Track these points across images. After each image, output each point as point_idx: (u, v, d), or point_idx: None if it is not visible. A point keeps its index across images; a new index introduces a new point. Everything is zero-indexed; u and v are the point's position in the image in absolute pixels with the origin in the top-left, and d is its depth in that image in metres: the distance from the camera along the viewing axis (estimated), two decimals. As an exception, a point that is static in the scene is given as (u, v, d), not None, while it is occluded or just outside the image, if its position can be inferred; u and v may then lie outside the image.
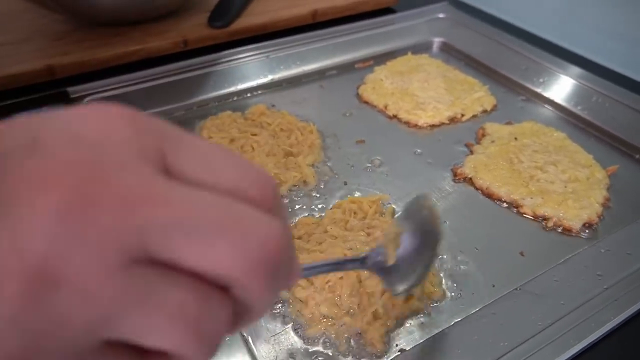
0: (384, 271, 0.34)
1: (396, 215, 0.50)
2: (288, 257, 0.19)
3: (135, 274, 0.15)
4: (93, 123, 0.17)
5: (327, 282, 0.41)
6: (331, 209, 0.51)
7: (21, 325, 0.14)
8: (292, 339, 0.39)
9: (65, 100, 0.62)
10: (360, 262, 0.34)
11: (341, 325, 0.40)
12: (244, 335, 0.38)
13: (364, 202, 0.50)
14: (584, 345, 0.36)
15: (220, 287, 0.17)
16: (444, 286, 0.43)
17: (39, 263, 0.14)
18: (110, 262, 0.15)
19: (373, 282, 0.41)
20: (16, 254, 0.14)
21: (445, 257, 0.46)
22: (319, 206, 0.51)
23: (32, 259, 0.14)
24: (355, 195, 0.53)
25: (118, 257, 0.15)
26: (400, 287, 0.33)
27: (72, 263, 0.14)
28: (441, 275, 0.44)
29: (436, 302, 0.42)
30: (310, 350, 0.38)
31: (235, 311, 0.18)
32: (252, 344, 0.38)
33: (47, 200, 0.14)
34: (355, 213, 0.49)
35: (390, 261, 0.33)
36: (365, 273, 0.42)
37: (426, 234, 0.34)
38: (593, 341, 0.37)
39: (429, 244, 0.33)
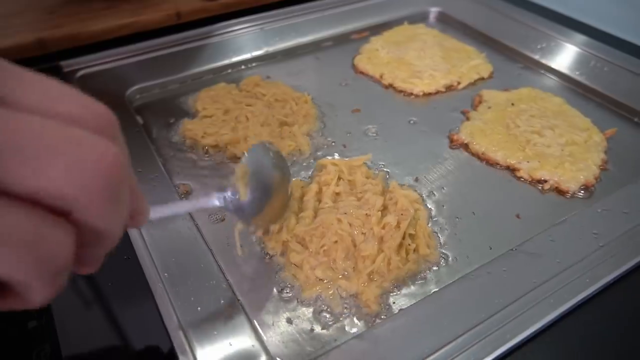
0: (239, 209, 0.37)
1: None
2: (124, 179, 0.18)
3: None
4: None
5: (322, 247, 0.41)
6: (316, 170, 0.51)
7: None
8: (288, 303, 0.39)
9: (59, 74, 0.61)
10: (217, 200, 0.37)
11: (337, 288, 0.40)
12: (239, 300, 0.38)
13: (347, 164, 0.50)
14: (578, 300, 0.36)
15: (58, 213, 0.17)
16: (441, 249, 0.43)
17: None
18: None
19: (368, 246, 0.41)
20: None
21: (442, 221, 0.46)
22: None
23: None
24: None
25: None
26: (254, 222, 0.39)
27: None
28: (439, 238, 0.44)
29: (433, 265, 0.42)
30: (306, 313, 0.38)
31: (84, 241, 0.18)
32: (247, 309, 0.38)
33: None
34: (340, 179, 0.49)
35: (243, 197, 0.37)
36: (360, 237, 0.42)
37: (273, 173, 0.40)
38: (588, 296, 0.37)
39: (277, 181, 0.40)
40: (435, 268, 0.42)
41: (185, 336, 0.34)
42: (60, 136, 0.16)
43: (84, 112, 0.18)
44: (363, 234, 0.42)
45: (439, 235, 0.45)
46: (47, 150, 0.16)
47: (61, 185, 0.16)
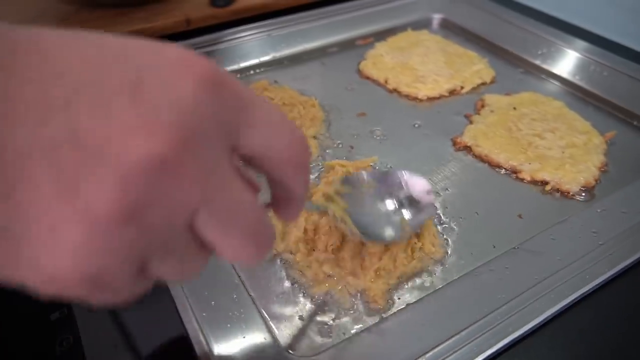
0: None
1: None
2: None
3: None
4: (188, 84, 0.18)
5: (330, 245, 0.43)
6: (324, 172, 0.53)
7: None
8: (298, 298, 0.40)
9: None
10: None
11: (345, 284, 0.41)
12: (250, 295, 0.40)
13: (354, 166, 0.52)
14: (578, 295, 0.37)
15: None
16: (446, 248, 0.45)
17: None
18: (177, 221, 0.18)
19: (375, 244, 0.42)
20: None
21: (446, 220, 0.47)
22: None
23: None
24: (357, 164, 0.54)
25: (183, 218, 0.18)
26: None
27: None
28: (443, 236, 0.46)
29: (438, 262, 0.43)
30: (315, 307, 0.40)
31: None
32: (258, 304, 0.39)
33: (138, 158, 0.16)
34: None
35: None
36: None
37: None
38: (587, 292, 0.38)
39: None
40: (439, 265, 0.43)
41: (201, 329, 0.35)
42: (254, 225, 0.21)
43: (290, 154, 0.23)
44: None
45: (444, 233, 0.46)
46: (242, 234, 0.21)
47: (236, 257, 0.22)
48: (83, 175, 0.16)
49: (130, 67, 0.17)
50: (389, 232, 0.41)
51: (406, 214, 0.43)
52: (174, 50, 0.18)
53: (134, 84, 0.17)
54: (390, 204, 0.42)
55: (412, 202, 0.43)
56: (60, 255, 0.16)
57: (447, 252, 0.44)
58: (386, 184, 0.44)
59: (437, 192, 0.50)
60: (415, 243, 0.43)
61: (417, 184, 0.44)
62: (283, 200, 0.25)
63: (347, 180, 0.43)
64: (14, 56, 0.15)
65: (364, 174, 0.44)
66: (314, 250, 0.43)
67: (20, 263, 0.16)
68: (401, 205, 0.43)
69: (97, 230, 0.16)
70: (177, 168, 0.17)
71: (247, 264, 0.24)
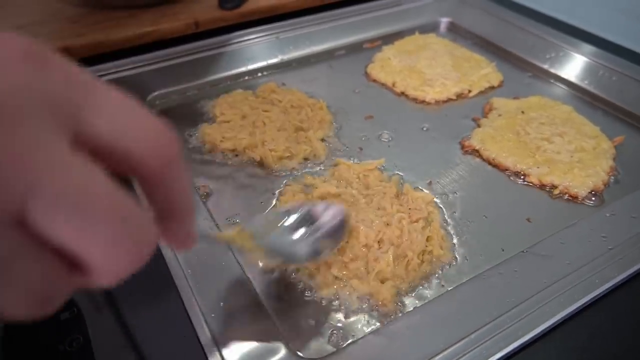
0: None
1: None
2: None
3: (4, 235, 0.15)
4: (2, 57, 0.15)
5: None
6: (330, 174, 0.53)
7: None
8: (307, 300, 0.40)
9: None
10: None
11: (351, 287, 0.41)
12: (258, 295, 0.40)
13: (360, 168, 0.52)
14: (588, 300, 0.37)
15: (71, 263, 0.17)
16: (455, 252, 0.44)
17: None
18: None
19: (376, 250, 0.42)
20: None
21: (455, 223, 0.47)
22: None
23: None
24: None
25: None
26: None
27: None
28: (452, 239, 0.45)
29: (447, 265, 0.43)
30: (324, 309, 0.40)
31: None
32: (266, 305, 0.39)
33: None
34: (352, 181, 0.50)
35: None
36: (372, 237, 0.43)
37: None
38: (596, 296, 0.38)
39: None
40: (448, 268, 0.43)
41: (209, 329, 0.35)
42: (115, 207, 0.17)
43: (147, 146, 0.19)
44: (377, 239, 0.43)
45: (453, 237, 0.46)
46: (98, 219, 0.16)
47: (95, 254, 0.17)
48: None
49: None
50: (303, 252, 0.38)
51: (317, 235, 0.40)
52: None
53: None
54: (299, 230, 0.39)
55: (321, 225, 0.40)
56: None
57: (456, 255, 0.44)
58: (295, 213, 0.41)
59: (445, 196, 0.50)
60: (427, 247, 0.43)
61: (328, 211, 0.41)
62: (165, 216, 0.21)
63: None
64: None
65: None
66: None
67: None
68: (310, 228, 0.40)
69: None
70: None
71: (124, 271, 0.18)
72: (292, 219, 0.39)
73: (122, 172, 0.18)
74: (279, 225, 0.38)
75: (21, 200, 0.15)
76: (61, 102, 0.16)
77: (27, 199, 0.15)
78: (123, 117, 0.18)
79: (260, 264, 0.43)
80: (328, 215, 0.40)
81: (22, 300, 0.16)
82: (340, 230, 0.41)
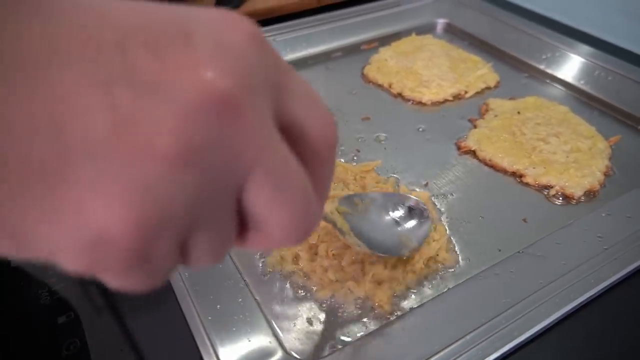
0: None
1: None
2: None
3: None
4: (238, 35, 0.17)
5: (331, 251, 0.43)
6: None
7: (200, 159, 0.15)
8: (303, 302, 0.40)
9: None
10: None
11: (348, 289, 0.41)
12: (256, 299, 0.40)
13: (357, 169, 0.52)
14: (583, 300, 0.37)
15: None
16: (458, 255, 0.45)
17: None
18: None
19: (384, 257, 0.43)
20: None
21: (451, 224, 0.47)
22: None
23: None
24: (362, 168, 0.54)
25: (229, 187, 0.17)
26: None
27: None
28: (455, 243, 0.45)
29: (444, 267, 0.43)
30: (320, 311, 0.40)
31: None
32: (263, 308, 0.39)
33: (209, 86, 0.15)
34: (349, 182, 0.51)
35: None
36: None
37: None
38: (592, 296, 0.38)
39: None
40: (445, 269, 0.43)
41: (206, 332, 0.35)
42: (304, 191, 0.19)
43: (321, 136, 0.20)
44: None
45: (451, 238, 0.46)
46: (292, 199, 0.19)
47: (280, 231, 0.19)
48: (140, 111, 0.14)
49: (178, 17, 0.16)
50: (394, 245, 0.41)
51: (408, 228, 0.43)
52: (215, 9, 0.18)
53: (185, 31, 0.16)
54: (390, 220, 0.42)
55: (411, 216, 0.44)
56: (112, 198, 0.14)
57: (459, 259, 0.44)
58: (383, 202, 0.44)
59: (441, 197, 0.51)
60: (437, 255, 0.43)
61: (413, 201, 0.44)
62: None
63: (345, 200, 0.43)
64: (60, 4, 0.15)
65: (362, 195, 0.44)
66: (316, 254, 0.43)
67: (59, 214, 0.14)
68: (401, 220, 0.43)
69: (155, 171, 0.14)
70: (238, 110, 0.16)
71: (290, 244, 0.20)
72: (395, 208, 0.42)
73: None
74: (371, 210, 0.41)
75: (249, 171, 0.17)
76: (273, 83, 0.18)
77: (252, 169, 0.17)
78: (309, 102, 0.20)
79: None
80: (418, 214, 0.43)
81: (208, 255, 0.18)
82: (425, 233, 0.43)
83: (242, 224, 0.19)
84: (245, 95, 0.16)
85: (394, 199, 0.44)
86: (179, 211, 0.16)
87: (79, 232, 0.14)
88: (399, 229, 0.42)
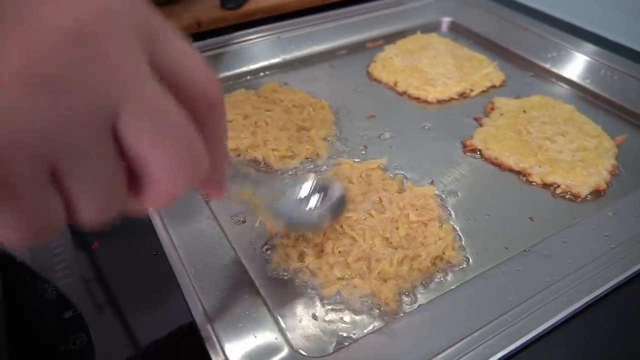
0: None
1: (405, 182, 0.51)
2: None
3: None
4: None
5: (337, 248, 0.43)
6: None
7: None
8: (309, 299, 0.40)
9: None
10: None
11: (353, 287, 0.41)
12: (261, 295, 0.40)
13: (363, 167, 0.52)
14: (590, 298, 0.37)
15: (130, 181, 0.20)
16: (465, 253, 0.44)
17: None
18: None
19: (380, 249, 0.42)
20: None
21: (457, 222, 0.47)
22: (332, 177, 0.53)
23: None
24: (367, 166, 0.54)
25: (98, 114, 0.17)
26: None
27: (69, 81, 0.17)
28: (462, 241, 0.45)
29: (450, 265, 0.43)
30: (326, 308, 0.40)
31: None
32: (269, 304, 0.39)
33: (63, 20, 0.16)
34: (354, 180, 0.51)
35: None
36: (373, 241, 0.43)
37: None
38: (599, 295, 0.38)
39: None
40: (451, 267, 0.43)
41: (212, 328, 0.35)
42: (184, 131, 0.20)
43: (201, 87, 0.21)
44: (386, 238, 0.43)
45: (455, 236, 0.46)
46: (173, 141, 0.19)
47: (159, 168, 0.20)
48: None
49: None
50: (309, 221, 0.43)
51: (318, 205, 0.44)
52: None
53: None
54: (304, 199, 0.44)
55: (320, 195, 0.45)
56: None
57: (467, 257, 0.44)
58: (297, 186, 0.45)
59: (447, 195, 0.50)
60: (444, 253, 0.43)
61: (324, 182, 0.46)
62: None
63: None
64: None
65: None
66: (322, 251, 0.43)
67: None
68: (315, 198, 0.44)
69: (6, 91, 0.15)
70: (95, 40, 0.17)
71: (175, 193, 0.21)
72: (301, 190, 0.43)
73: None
74: (286, 194, 0.44)
75: (115, 105, 0.17)
76: (143, 31, 0.19)
77: (120, 105, 0.17)
78: (185, 56, 0.21)
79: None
80: (332, 190, 0.44)
81: (92, 202, 0.19)
82: (341, 205, 0.45)
83: (131, 177, 0.20)
84: (102, 28, 0.17)
85: (302, 182, 0.45)
86: (33, 133, 0.16)
87: None
88: (306, 206, 0.43)
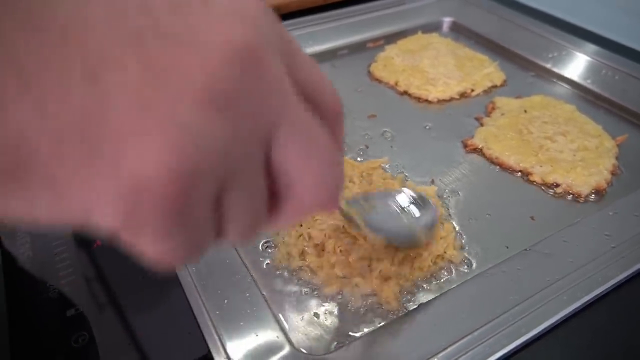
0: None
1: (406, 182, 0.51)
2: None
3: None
4: (247, 2, 0.18)
5: (338, 247, 0.43)
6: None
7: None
8: (310, 298, 0.41)
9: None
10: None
11: (354, 285, 0.41)
12: (263, 294, 0.40)
13: (364, 166, 0.52)
14: (590, 297, 0.37)
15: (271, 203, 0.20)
16: (466, 252, 0.45)
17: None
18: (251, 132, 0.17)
19: (381, 248, 0.43)
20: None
21: (458, 222, 0.47)
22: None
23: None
24: (368, 165, 0.54)
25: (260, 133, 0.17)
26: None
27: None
28: (462, 240, 0.45)
29: (451, 264, 0.43)
30: (327, 307, 0.40)
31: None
32: (270, 303, 0.39)
33: (231, 35, 0.16)
34: (355, 179, 0.51)
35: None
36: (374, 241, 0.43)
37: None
38: (599, 294, 0.38)
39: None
40: (452, 266, 0.43)
41: (214, 326, 0.36)
42: (330, 153, 0.20)
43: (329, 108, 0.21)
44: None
45: (457, 235, 0.46)
46: (321, 163, 0.20)
47: (306, 192, 0.20)
48: (172, 59, 0.15)
49: None
50: (406, 236, 0.42)
51: (416, 217, 0.43)
52: None
53: None
54: (397, 212, 0.43)
55: (416, 206, 0.44)
56: (150, 143, 0.14)
57: (467, 256, 0.44)
58: (387, 198, 0.44)
59: (448, 194, 0.51)
60: (445, 252, 0.43)
61: (414, 193, 0.45)
62: None
63: (351, 202, 0.43)
64: None
65: (366, 196, 0.44)
66: (323, 250, 0.43)
67: (96, 162, 0.14)
68: (408, 211, 0.43)
69: (190, 115, 0.15)
70: (261, 61, 0.16)
71: (320, 209, 0.22)
72: (401, 201, 0.43)
73: None
74: (379, 204, 0.42)
75: (273, 123, 0.17)
76: (282, 49, 0.18)
77: (277, 123, 0.18)
78: (315, 71, 0.21)
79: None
80: (427, 208, 0.44)
81: (242, 222, 0.19)
82: (434, 225, 0.44)
83: (273, 195, 0.20)
84: (265, 48, 0.17)
85: (396, 194, 0.44)
86: (214, 158, 0.16)
87: (116, 178, 0.14)
88: (406, 220, 0.42)
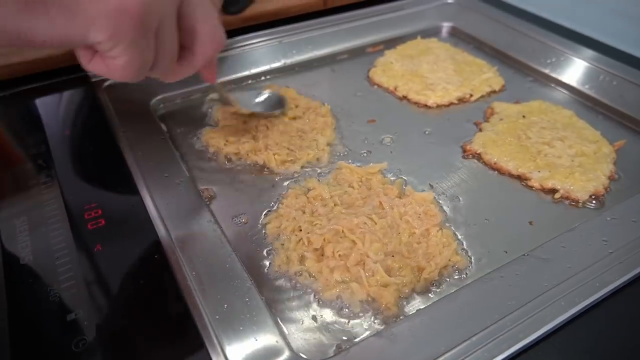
0: None
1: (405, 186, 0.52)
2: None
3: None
4: None
5: (337, 252, 0.43)
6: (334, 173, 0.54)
7: None
8: (310, 302, 0.41)
9: (86, 84, 0.64)
10: None
11: (353, 290, 0.41)
12: (262, 298, 0.40)
13: (363, 171, 0.53)
14: (588, 303, 0.38)
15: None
16: (468, 256, 0.45)
17: None
18: None
19: (380, 254, 0.43)
20: None
21: (457, 227, 0.48)
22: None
23: None
24: (367, 170, 0.55)
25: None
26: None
27: None
28: (463, 244, 0.46)
29: (457, 270, 0.43)
30: (327, 312, 0.40)
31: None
32: (270, 308, 0.40)
33: None
34: (354, 184, 0.51)
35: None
36: (372, 247, 0.43)
37: None
38: (597, 299, 0.38)
39: None
40: (451, 271, 0.43)
41: (214, 331, 0.36)
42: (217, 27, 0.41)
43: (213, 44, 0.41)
44: (385, 244, 0.44)
45: (456, 240, 0.46)
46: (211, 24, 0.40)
47: (200, 46, 0.40)
48: None
49: None
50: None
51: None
52: None
53: None
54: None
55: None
56: None
57: (471, 260, 0.44)
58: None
59: (447, 199, 0.51)
60: (449, 261, 0.44)
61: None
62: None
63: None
64: None
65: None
66: (322, 255, 0.44)
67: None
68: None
69: None
70: None
71: (211, 52, 0.40)
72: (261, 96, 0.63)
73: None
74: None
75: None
76: None
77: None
78: (205, 13, 0.38)
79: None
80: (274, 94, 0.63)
81: (167, 57, 0.37)
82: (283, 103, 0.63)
83: (181, 48, 0.38)
84: None
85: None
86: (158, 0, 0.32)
87: (108, 3, 0.29)
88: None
